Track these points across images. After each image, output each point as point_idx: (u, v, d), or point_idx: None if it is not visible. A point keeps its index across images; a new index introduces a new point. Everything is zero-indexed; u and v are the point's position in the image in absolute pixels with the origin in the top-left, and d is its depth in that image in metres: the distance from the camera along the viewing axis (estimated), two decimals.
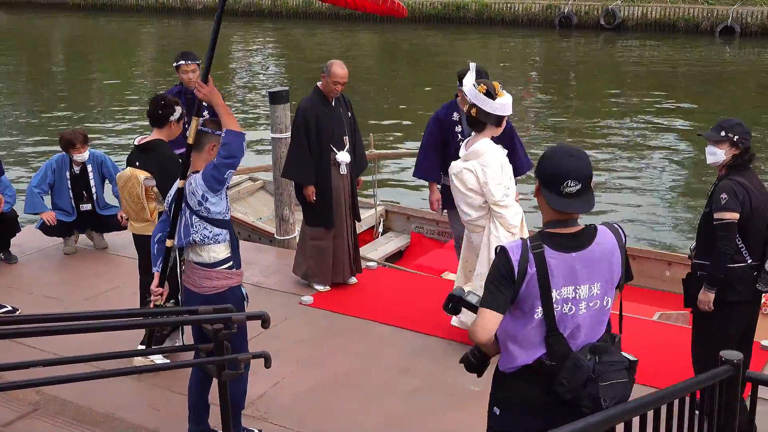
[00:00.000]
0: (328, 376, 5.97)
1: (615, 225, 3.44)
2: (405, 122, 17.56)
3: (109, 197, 8.45)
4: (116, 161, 8.61)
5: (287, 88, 9.10)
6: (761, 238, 4.99)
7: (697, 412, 3.59)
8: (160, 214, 5.81)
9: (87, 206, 8.25)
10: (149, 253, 5.18)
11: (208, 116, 5.22)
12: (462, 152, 6.15)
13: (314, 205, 7.20)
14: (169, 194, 4.95)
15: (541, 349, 3.33)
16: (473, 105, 6.03)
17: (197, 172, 4.74)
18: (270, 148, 8.75)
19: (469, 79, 6.23)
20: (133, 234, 6.26)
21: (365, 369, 6.10)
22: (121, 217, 7.74)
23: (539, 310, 3.28)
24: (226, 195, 4.79)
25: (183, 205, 4.74)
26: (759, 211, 4.96)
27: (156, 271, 5.03)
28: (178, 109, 6.03)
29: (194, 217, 4.69)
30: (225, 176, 4.62)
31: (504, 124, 6.12)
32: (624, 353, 3.40)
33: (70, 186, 8.18)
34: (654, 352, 5.97)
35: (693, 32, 29.14)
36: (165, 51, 28.04)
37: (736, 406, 3.67)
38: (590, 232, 3.36)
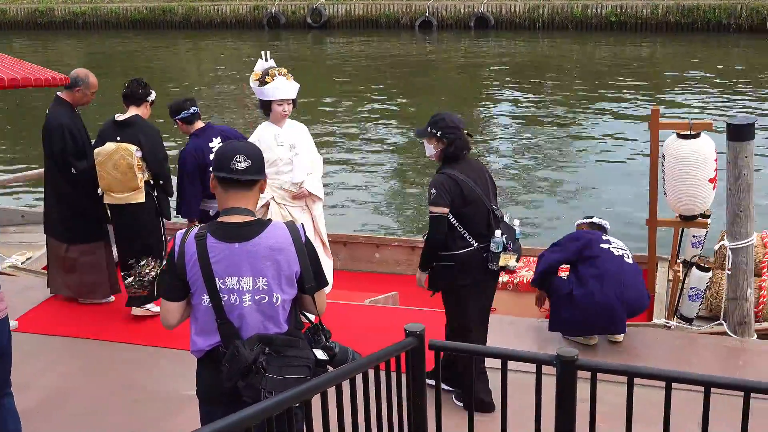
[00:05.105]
0: (36, 401, 5.64)
1: (297, 225, 3.48)
2: None
3: None
4: None
5: None
6: (481, 222, 5.12)
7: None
8: (146, 182, 6.57)
9: None
10: (132, 221, 6.55)
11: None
12: None
13: (86, 219, 6.95)
14: None
15: (217, 336, 3.39)
16: None
17: None
18: None
19: (258, 67, 6.54)
20: (113, 205, 6.67)
21: (78, 388, 5.87)
22: None
23: (205, 297, 3.35)
24: None
25: None
26: (473, 199, 5.07)
27: None
28: (153, 93, 6.84)
29: None
30: None
31: (284, 106, 6.47)
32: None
33: None
34: (366, 335, 6.24)
35: (395, 27, 30.62)
36: None
37: (423, 374, 3.92)
38: (258, 225, 3.40)
